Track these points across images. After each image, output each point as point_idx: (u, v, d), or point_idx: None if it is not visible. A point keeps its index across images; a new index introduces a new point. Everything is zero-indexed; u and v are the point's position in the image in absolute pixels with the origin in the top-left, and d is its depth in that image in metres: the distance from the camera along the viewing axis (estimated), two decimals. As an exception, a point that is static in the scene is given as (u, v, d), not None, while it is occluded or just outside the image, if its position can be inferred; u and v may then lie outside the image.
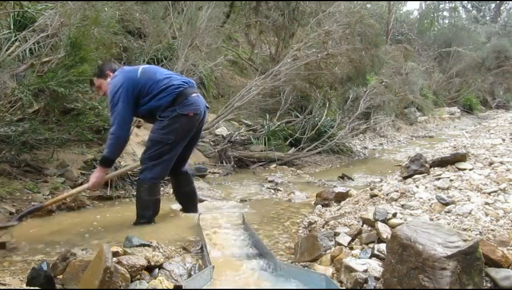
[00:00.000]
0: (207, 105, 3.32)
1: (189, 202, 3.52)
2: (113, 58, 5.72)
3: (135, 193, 3.27)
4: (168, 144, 3.07)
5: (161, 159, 3.10)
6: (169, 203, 3.98)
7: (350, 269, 2.08)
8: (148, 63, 5.88)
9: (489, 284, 1.86)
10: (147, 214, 3.13)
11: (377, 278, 1.99)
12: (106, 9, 4.61)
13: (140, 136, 5.49)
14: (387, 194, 2.87)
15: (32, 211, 3.17)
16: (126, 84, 3.02)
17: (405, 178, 3.08)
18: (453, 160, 3.01)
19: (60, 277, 2.10)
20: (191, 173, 3.73)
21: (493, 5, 30.18)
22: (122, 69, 3.21)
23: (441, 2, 24.84)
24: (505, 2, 29.23)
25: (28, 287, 1.98)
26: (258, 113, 7.58)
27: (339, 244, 2.39)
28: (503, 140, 3.52)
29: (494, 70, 18.77)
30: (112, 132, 3.02)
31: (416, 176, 3.01)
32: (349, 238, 2.41)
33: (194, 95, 3.15)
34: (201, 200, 3.86)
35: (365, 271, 2.04)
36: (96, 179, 3.11)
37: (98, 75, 3.26)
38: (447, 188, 2.66)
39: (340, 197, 3.58)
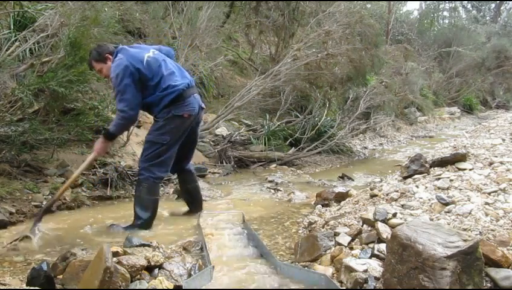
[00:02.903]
0: (202, 105, 3.28)
1: (193, 199, 3.54)
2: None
3: (135, 194, 3.25)
4: (164, 144, 3.07)
5: (159, 160, 3.10)
6: (169, 203, 3.98)
7: (350, 269, 2.08)
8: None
9: (489, 284, 1.86)
10: (146, 214, 3.08)
11: (377, 278, 1.99)
12: (106, 9, 4.61)
13: (140, 136, 5.49)
14: (387, 194, 2.87)
15: (44, 213, 3.08)
16: (131, 67, 2.95)
17: (405, 178, 3.08)
18: (453, 160, 3.01)
19: (60, 277, 2.10)
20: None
21: (493, 5, 30.19)
22: (124, 49, 3.10)
23: (441, 2, 24.86)
24: (505, 2, 29.24)
25: (28, 287, 1.98)
26: (258, 113, 7.58)
27: (339, 244, 2.39)
28: (503, 140, 3.52)
29: (494, 70, 18.76)
30: (123, 114, 2.97)
31: (416, 176, 3.01)
32: (349, 238, 2.41)
33: (191, 96, 3.14)
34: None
35: (365, 271, 2.04)
36: (101, 149, 3.14)
37: (97, 60, 3.14)
38: (447, 188, 2.66)
39: (340, 197, 3.58)
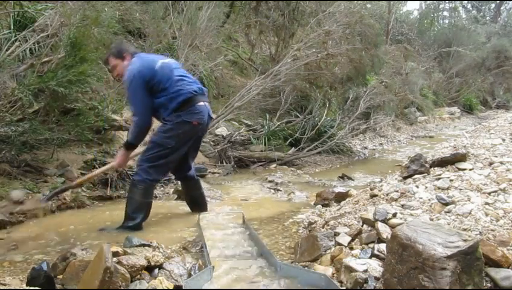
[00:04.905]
0: (211, 115, 3.31)
1: (197, 206, 3.53)
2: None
3: (128, 194, 3.18)
4: (168, 148, 3.06)
5: (159, 162, 3.07)
6: (169, 203, 3.99)
7: (350, 269, 2.08)
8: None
9: (489, 284, 1.86)
10: (138, 216, 3.04)
11: (377, 278, 1.99)
12: (106, 9, 4.60)
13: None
14: (387, 194, 2.87)
15: (60, 192, 3.26)
16: (143, 73, 2.98)
17: (405, 178, 3.08)
18: (453, 160, 3.01)
19: (60, 277, 2.10)
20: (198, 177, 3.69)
21: (493, 5, 30.20)
22: (140, 56, 3.15)
23: (441, 2, 24.87)
24: (505, 2, 29.24)
25: (28, 287, 1.98)
26: (258, 113, 7.58)
27: (339, 244, 2.39)
28: (503, 140, 3.52)
29: (494, 70, 18.78)
30: (135, 121, 3.02)
31: (416, 176, 3.01)
32: (349, 238, 2.41)
33: (202, 104, 3.14)
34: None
35: (365, 271, 2.04)
36: (122, 160, 3.19)
37: (115, 56, 3.15)
38: (447, 188, 2.66)
39: (340, 197, 3.58)
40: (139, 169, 3.09)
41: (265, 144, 6.45)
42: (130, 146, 3.13)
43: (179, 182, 3.93)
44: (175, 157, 3.14)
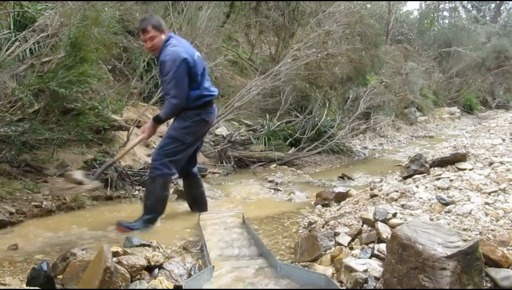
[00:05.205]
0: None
1: (197, 204, 3.56)
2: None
3: (147, 188, 3.28)
4: (185, 144, 3.18)
5: (176, 157, 3.17)
6: (169, 203, 3.98)
7: (350, 269, 2.08)
8: (148, 63, 5.89)
9: (489, 284, 1.86)
10: (158, 208, 3.16)
11: (377, 278, 1.99)
12: (106, 9, 4.60)
13: (140, 136, 5.48)
14: (387, 194, 2.87)
15: (106, 168, 3.38)
16: (189, 60, 3.03)
17: (405, 178, 3.08)
18: (453, 160, 3.01)
19: (60, 277, 2.10)
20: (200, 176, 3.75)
21: (493, 5, 30.19)
22: (177, 38, 3.20)
23: (441, 2, 24.86)
24: (505, 2, 29.24)
25: (28, 287, 1.98)
26: (258, 113, 7.57)
27: (339, 244, 2.39)
28: (503, 140, 3.53)
29: (494, 70, 18.77)
30: (174, 103, 3.06)
31: (416, 176, 3.02)
32: (349, 238, 2.41)
33: (215, 105, 3.35)
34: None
35: (365, 271, 2.04)
36: (151, 132, 3.24)
37: (156, 27, 3.08)
38: (447, 188, 2.67)
39: (340, 197, 3.58)
40: (160, 164, 3.13)
41: (265, 144, 6.45)
42: (160, 121, 3.18)
43: (179, 182, 3.94)
44: (189, 152, 3.28)
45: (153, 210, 3.14)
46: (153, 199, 3.14)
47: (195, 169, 3.55)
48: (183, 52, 3.02)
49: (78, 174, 3.04)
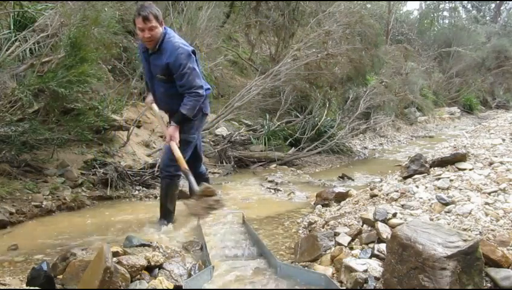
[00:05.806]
0: None
1: None
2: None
3: (167, 190, 3.19)
4: (191, 141, 3.19)
5: (185, 158, 3.10)
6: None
7: (350, 269, 2.08)
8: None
9: (489, 284, 1.86)
10: (173, 207, 3.22)
11: (377, 278, 1.99)
12: (106, 9, 4.60)
13: (140, 136, 5.49)
14: (387, 194, 2.87)
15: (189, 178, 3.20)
16: (195, 52, 3.01)
17: (405, 178, 3.08)
18: (453, 160, 3.01)
19: (60, 277, 2.10)
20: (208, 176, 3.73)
21: (493, 5, 30.19)
22: (173, 32, 3.11)
23: (441, 2, 24.86)
24: (505, 2, 29.24)
25: (28, 287, 1.98)
26: (258, 113, 7.57)
27: (339, 244, 2.40)
28: (503, 140, 3.53)
29: (494, 70, 18.78)
30: (201, 90, 2.99)
31: (416, 176, 3.02)
32: (349, 238, 2.41)
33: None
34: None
35: (365, 271, 2.04)
36: (177, 135, 3.02)
37: (157, 18, 2.93)
38: (447, 188, 2.67)
39: (340, 197, 3.58)
40: (174, 169, 3.09)
41: (265, 144, 6.45)
42: (185, 120, 3.03)
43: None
44: (192, 148, 3.27)
45: (172, 210, 3.21)
46: (174, 201, 3.22)
47: (202, 168, 3.54)
48: (188, 46, 3.01)
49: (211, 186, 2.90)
